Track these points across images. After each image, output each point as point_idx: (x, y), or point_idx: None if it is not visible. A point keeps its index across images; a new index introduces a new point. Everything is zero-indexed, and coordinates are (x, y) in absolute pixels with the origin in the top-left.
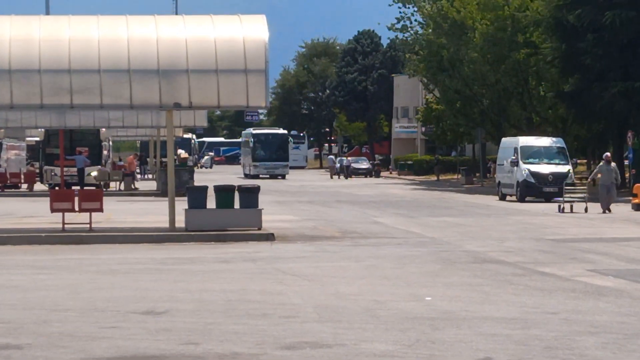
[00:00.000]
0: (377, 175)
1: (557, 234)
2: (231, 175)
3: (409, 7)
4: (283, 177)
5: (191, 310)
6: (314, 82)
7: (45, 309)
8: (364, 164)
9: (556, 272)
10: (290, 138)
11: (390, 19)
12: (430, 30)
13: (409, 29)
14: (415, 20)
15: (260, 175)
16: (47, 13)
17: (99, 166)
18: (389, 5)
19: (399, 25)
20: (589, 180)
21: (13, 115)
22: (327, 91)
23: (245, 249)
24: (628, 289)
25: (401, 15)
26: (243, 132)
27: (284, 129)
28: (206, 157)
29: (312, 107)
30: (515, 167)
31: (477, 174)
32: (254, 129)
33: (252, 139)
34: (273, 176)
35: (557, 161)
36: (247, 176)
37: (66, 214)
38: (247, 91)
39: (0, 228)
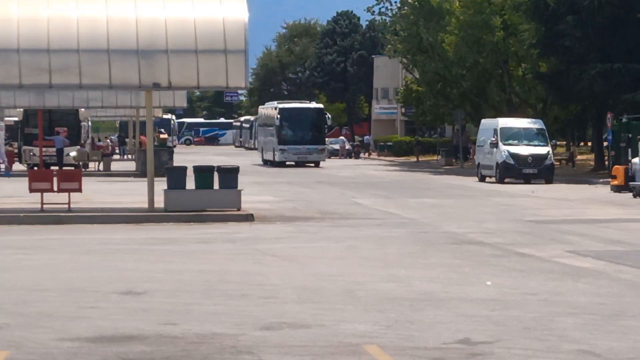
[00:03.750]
0: (357, 156)
1: (536, 215)
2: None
3: None
4: (317, 164)
5: (170, 291)
6: (294, 63)
7: (24, 289)
8: (337, 145)
9: (535, 253)
10: (328, 115)
11: (370, 1)
12: (409, 12)
13: (389, 10)
14: (395, 2)
15: (287, 163)
16: None
17: (78, 146)
18: None
19: (376, 9)
20: None
21: None
22: (307, 72)
23: (225, 230)
24: (607, 270)
25: None
26: (261, 106)
27: None
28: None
29: (292, 88)
30: (495, 149)
31: (458, 155)
32: (279, 102)
33: (278, 115)
34: (303, 163)
35: (536, 142)
36: (268, 163)
37: (45, 194)
38: (226, 72)
39: None
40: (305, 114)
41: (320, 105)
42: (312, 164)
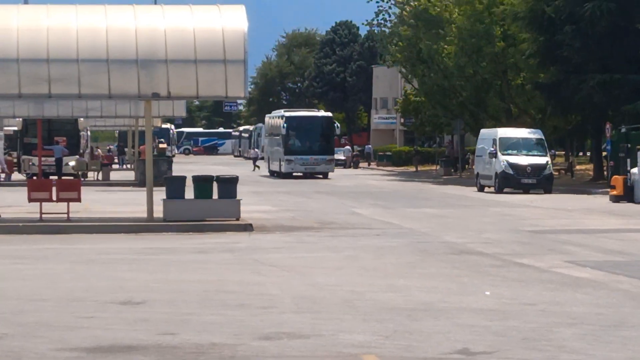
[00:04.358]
0: (356, 166)
1: (535, 226)
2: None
3: (385, 1)
4: (325, 176)
5: (169, 301)
6: (294, 73)
7: (23, 299)
8: (342, 155)
9: (534, 263)
10: (337, 124)
11: (370, 11)
12: (406, 27)
13: (387, 21)
14: (394, 13)
15: (294, 174)
16: (26, 2)
17: (77, 156)
18: (367, 1)
19: (375, 22)
20: None
21: None
22: (306, 82)
23: (224, 240)
24: (605, 280)
25: (379, 9)
26: (268, 115)
27: (262, 120)
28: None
29: (292, 98)
30: (494, 159)
31: (457, 165)
32: (286, 111)
33: (284, 124)
34: (312, 174)
35: (535, 152)
36: (275, 174)
37: (44, 203)
38: (226, 81)
39: None
40: (313, 122)
41: (329, 114)
42: (320, 176)
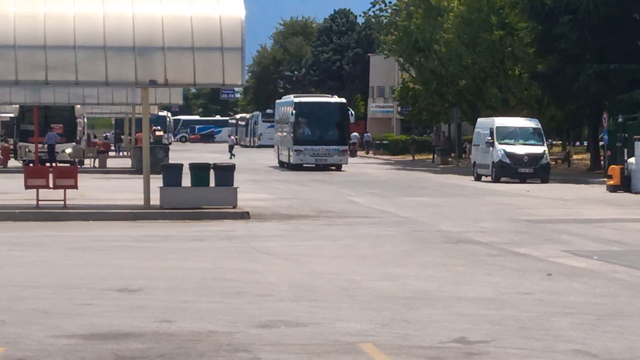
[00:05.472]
0: (353, 155)
1: (532, 215)
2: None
3: None
4: (339, 168)
5: (165, 288)
6: (290, 61)
7: (19, 286)
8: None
9: (531, 252)
10: (351, 111)
11: (367, 0)
12: (404, 16)
13: (384, 10)
14: (390, 2)
15: (305, 165)
16: None
17: (74, 143)
18: None
19: (371, 13)
20: None
21: None
22: (303, 70)
23: (221, 227)
24: (602, 270)
25: (375, 0)
26: (277, 101)
27: (259, 108)
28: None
29: (288, 86)
30: (491, 148)
31: (453, 154)
32: (295, 96)
33: (293, 110)
34: (325, 166)
35: (532, 142)
36: (285, 165)
37: (40, 190)
38: (223, 69)
39: None
40: (325, 109)
41: (343, 100)
42: (334, 167)
